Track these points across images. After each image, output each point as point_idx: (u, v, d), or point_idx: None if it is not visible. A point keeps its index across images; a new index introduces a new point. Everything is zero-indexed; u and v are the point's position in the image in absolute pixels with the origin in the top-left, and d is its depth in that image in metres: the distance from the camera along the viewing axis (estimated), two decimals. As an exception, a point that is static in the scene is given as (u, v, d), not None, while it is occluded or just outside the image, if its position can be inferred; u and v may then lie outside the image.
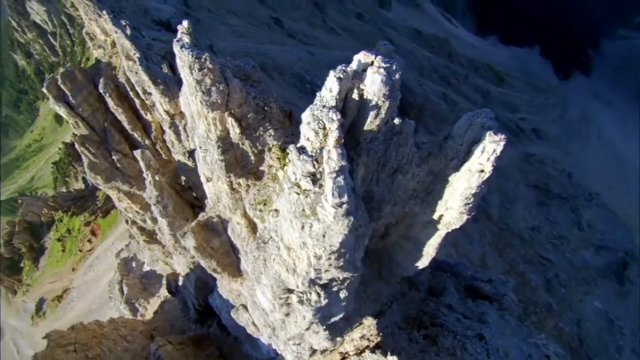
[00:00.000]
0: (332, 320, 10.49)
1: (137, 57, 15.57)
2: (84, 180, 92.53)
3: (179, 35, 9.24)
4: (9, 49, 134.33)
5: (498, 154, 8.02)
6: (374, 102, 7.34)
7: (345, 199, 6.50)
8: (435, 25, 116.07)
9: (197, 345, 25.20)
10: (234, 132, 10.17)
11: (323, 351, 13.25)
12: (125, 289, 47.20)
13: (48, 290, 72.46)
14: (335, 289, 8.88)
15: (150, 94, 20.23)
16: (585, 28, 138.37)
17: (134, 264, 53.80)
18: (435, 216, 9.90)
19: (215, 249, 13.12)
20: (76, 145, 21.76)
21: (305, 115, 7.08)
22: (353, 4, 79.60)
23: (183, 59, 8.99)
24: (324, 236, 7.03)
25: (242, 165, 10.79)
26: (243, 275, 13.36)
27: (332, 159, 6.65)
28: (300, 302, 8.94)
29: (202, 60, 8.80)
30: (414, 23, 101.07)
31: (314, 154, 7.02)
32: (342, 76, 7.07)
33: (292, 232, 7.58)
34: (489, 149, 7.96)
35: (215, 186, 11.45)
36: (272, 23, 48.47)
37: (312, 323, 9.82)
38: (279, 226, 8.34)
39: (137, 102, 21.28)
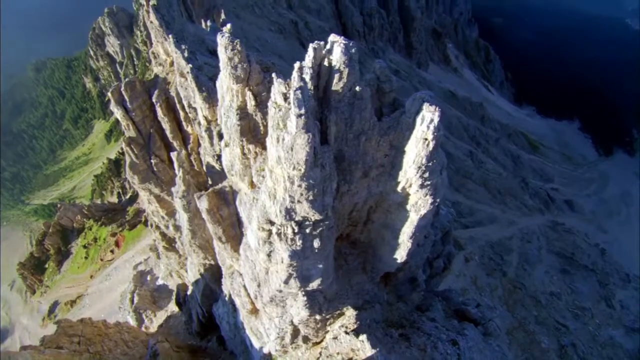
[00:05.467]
0: (310, 285, 11.47)
1: (190, 67, 18.32)
2: (119, 195, 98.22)
3: (222, 31, 11.75)
4: (81, 72, 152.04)
5: (436, 123, 9.86)
6: (337, 67, 9.91)
7: (303, 110, 8.68)
8: (471, 90, 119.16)
9: (193, 354, 25.42)
10: (250, 104, 12.81)
11: (305, 340, 13.61)
12: (136, 298, 48.26)
13: (64, 294, 74.19)
14: (308, 230, 10.40)
15: (194, 108, 23.01)
16: (631, 108, 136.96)
17: (148, 278, 55.29)
18: (403, 193, 11.60)
19: (223, 218, 14.78)
20: (123, 145, 24.55)
21: (292, 76, 9.78)
22: (391, 62, 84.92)
23: (222, 43, 11.88)
24: (292, 149, 9.05)
25: (253, 133, 13.30)
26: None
27: (295, 80, 9.34)
28: (279, 235, 10.50)
29: (234, 43, 11.89)
30: (450, 85, 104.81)
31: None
32: (316, 47, 9.86)
33: (272, 148, 9.70)
34: (427, 118, 9.89)
35: (232, 152, 13.50)
36: (312, 68, 52.95)
37: (290, 275, 10.89)
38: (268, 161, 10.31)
39: (181, 114, 24.11)
